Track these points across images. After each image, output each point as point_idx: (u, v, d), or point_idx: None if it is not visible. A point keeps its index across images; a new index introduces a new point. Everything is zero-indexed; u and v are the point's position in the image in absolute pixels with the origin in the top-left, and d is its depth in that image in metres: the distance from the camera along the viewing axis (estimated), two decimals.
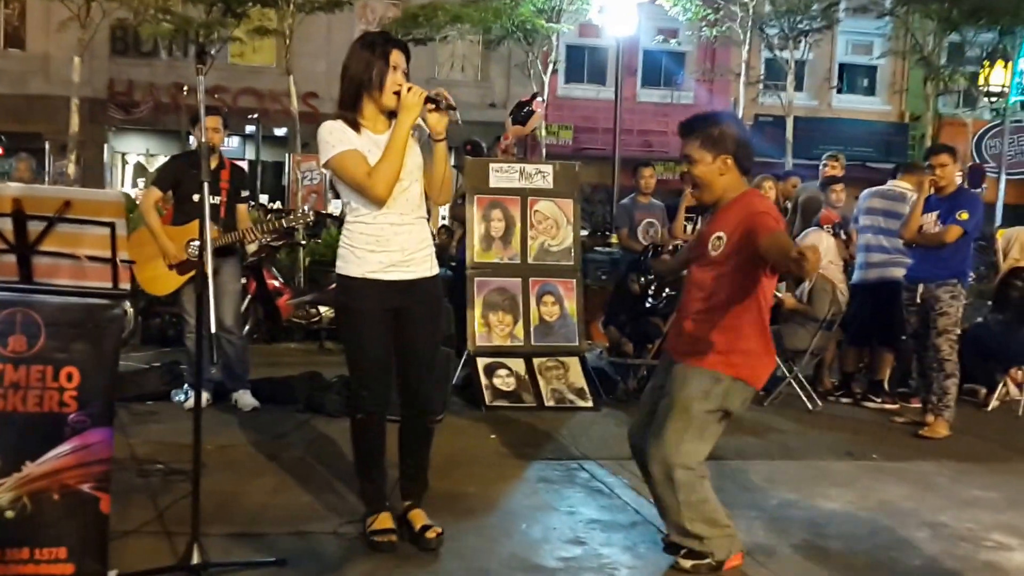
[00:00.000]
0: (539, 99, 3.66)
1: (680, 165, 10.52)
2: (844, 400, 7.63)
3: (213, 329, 3.31)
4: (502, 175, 7.34)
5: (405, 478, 4.04)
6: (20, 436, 3.05)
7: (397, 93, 3.72)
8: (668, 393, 3.82)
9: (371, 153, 3.74)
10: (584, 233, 11.11)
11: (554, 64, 16.91)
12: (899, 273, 6.98)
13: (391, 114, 3.80)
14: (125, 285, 3.15)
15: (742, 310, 3.73)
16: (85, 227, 3.04)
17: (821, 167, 8.99)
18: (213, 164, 6.15)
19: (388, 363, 3.88)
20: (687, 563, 3.81)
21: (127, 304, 8.50)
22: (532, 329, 7.20)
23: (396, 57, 3.75)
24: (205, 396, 6.22)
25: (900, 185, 7.52)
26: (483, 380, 6.82)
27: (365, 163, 3.72)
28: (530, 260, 7.33)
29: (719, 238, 3.76)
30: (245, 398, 6.32)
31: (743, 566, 3.88)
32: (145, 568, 3.40)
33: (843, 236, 7.80)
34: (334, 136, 3.76)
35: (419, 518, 3.95)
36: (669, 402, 3.79)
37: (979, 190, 11.98)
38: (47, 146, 20.77)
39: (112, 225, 3.04)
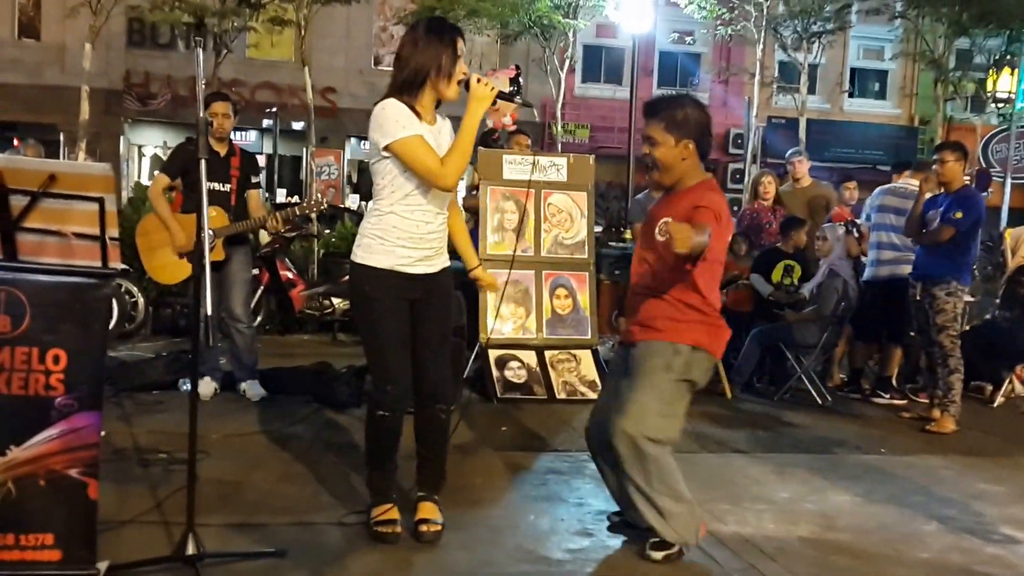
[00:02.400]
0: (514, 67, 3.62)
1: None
2: (853, 395, 7.65)
3: (209, 311, 3.21)
4: (516, 167, 7.25)
5: (420, 469, 3.97)
6: (4, 420, 2.98)
7: (460, 82, 3.66)
8: (629, 373, 3.80)
9: (436, 142, 3.70)
10: (598, 228, 11.02)
11: (571, 60, 16.78)
12: (909, 270, 6.97)
13: (435, 103, 3.75)
14: (115, 264, 3.06)
15: (689, 286, 3.71)
16: (72, 202, 2.94)
17: (787, 166, 8.82)
18: (223, 151, 6.09)
19: (408, 357, 3.79)
20: (658, 555, 3.75)
21: (137, 293, 8.50)
22: (544, 322, 7.13)
23: (461, 45, 3.69)
24: (213, 386, 6.20)
25: (911, 183, 7.49)
26: (495, 372, 6.77)
27: (434, 151, 3.64)
28: (543, 253, 7.25)
29: (665, 223, 3.68)
30: (253, 388, 6.27)
31: (750, 559, 3.84)
32: (139, 558, 3.32)
33: (855, 233, 7.74)
34: (403, 118, 3.63)
35: (423, 511, 3.88)
36: (632, 379, 3.76)
37: (985, 194, 12.00)
38: (62, 137, 20.81)
39: (100, 200, 2.94)
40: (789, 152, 8.93)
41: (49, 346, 2.97)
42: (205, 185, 3.28)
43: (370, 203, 3.84)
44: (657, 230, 3.40)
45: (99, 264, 3.03)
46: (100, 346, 3.10)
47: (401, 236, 3.70)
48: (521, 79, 3.78)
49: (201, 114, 3.35)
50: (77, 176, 2.96)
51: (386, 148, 3.63)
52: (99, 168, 3.02)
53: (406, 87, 3.68)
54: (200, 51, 3.37)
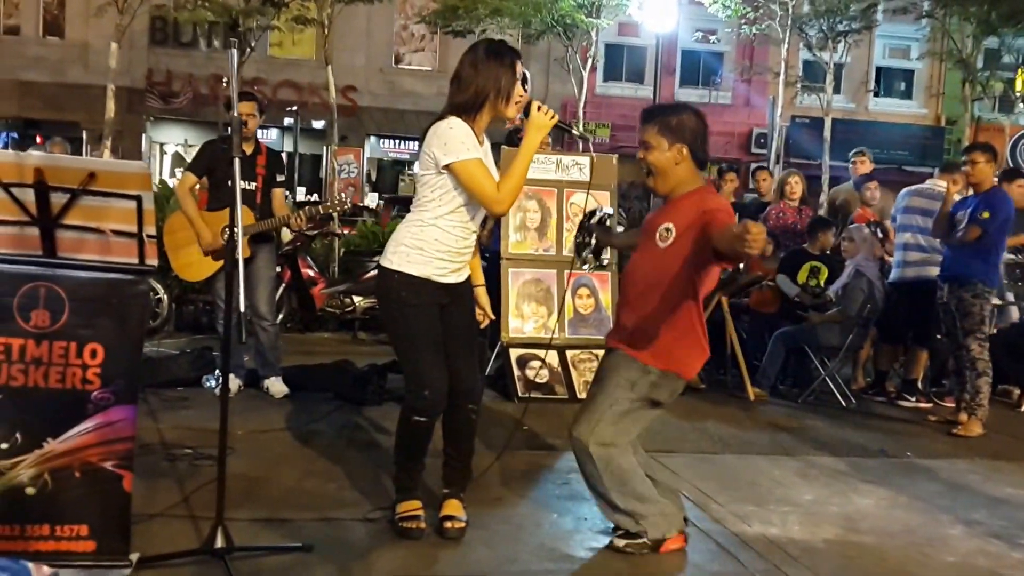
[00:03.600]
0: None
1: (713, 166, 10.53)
2: (878, 398, 7.61)
3: (242, 308, 3.24)
4: (539, 166, 7.26)
5: (447, 468, 4.00)
6: (42, 413, 3.02)
7: (518, 103, 3.72)
8: (599, 377, 3.88)
9: (490, 162, 3.78)
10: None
11: (593, 60, 16.78)
12: (936, 272, 6.94)
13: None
14: (152, 261, 3.09)
15: (680, 301, 3.72)
16: (110, 200, 2.98)
17: (850, 165, 8.88)
18: (248, 150, 6.13)
19: (443, 361, 3.80)
20: (621, 542, 3.82)
21: (161, 290, 8.57)
22: (566, 321, 7.14)
23: (519, 67, 3.74)
24: (237, 383, 6.24)
25: (938, 184, 7.44)
26: (516, 371, 6.77)
27: (491, 176, 3.69)
28: (565, 252, 7.25)
29: (668, 229, 3.74)
30: (276, 385, 6.30)
31: (774, 560, 3.83)
32: (169, 551, 3.36)
33: (879, 234, 7.71)
34: (469, 140, 3.66)
35: (448, 508, 3.90)
36: (596, 386, 3.84)
37: None
38: (84, 135, 20.97)
39: (138, 198, 2.98)
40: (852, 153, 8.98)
41: (86, 341, 3.01)
42: (239, 184, 3.30)
43: (410, 213, 3.86)
44: (738, 232, 3.22)
45: (136, 261, 3.07)
46: (136, 341, 3.13)
47: (440, 249, 3.73)
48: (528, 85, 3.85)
49: (235, 113, 3.37)
50: (116, 174, 2.99)
51: (447, 166, 3.65)
52: (137, 166, 3.06)
53: (466, 108, 3.71)
54: (234, 52, 3.40)
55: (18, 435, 3.00)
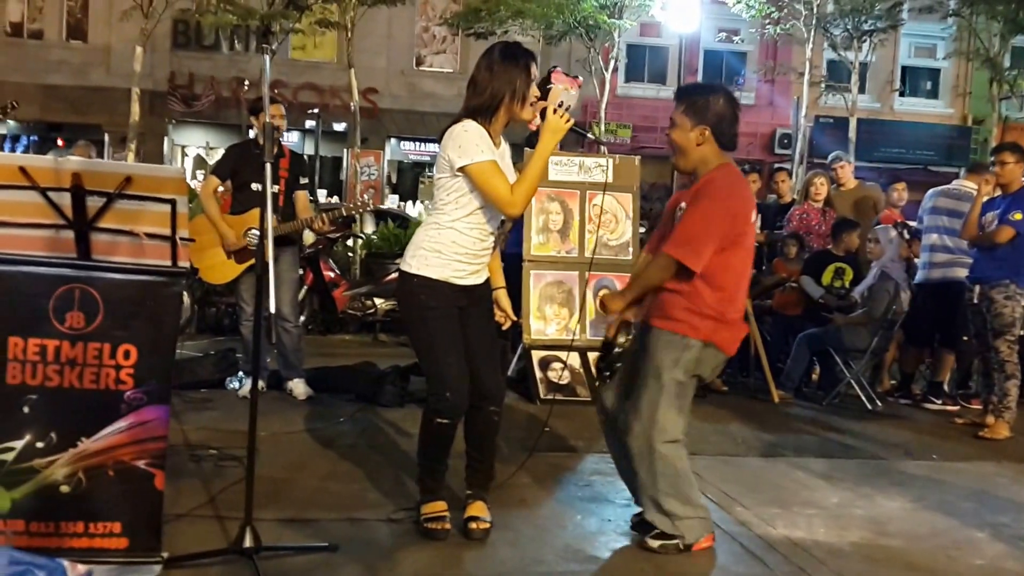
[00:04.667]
0: (557, 68, 3.60)
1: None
2: (903, 401, 7.57)
3: (272, 310, 3.26)
4: (561, 168, 7.28)
5: (470, 469, 4.02)
6: (76, 412, 3.06)
7: (533, 105, 3.75)
8: (639, 362, 3.85)
9: (506, 166, 3.80)
10: (643, 230, 11.02)
11: (615, 61, 16.76)
12: (962, 273, 6.90)
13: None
14: (184, 263, 3.14)
15: (706, 275, 3.73)
16: (145, 204, 3.02)
17: (830, 172, 8.73)
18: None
19: (465, 363, 3.81)
20: (655, 543, 3.83)
21: (184, 292, 8.63)
22: (588, 323, 7.14)
23: (534, 69, 3.77)
24: (260, 384, 6.26)
25: (965, 184, 7.41)
26: (537, 373, 6.78)
27: (506, 178, 3.71)
28: (588, 254, 7.27)
29: (682, 208, 3.79)
30: (300, 387, 6.34)
31: (800, 563, 3.83)
32: (197, 550, 3.40)
33: (906, 235, 7.67)
34: (483, 142, 3.69)
35: (473, 509, 3.92)
36: (641, 373, 3.81)
37: None
38: (107, 138, 21.12)
39: (173, 202, 3.02)
40: (830, 157, 8.88)
41: (120, 342, 3.06)
42: (270, 188, 3.32)
43: (428, 216, 3.91)
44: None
45: (169, 263, 3.11)
46: (169, 342, 3.18)
47: (458, 251, 3.75)
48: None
49: (267, 119, 3.40)
50: (151, 178, 3.03)
51: (462, 169, 3.67)
52: (172, 171, 3.12)
53: (481, 111, 3.74)
54: (267, 58, 3.43)
55: (53, 434, 3.05)
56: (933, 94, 27.35)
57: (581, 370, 6.89)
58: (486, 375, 3.88)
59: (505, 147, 3.89)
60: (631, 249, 7.36)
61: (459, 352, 3.79)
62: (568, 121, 3.69)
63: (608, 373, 4.00)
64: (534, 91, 3.75)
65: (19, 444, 3.03)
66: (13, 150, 20.66)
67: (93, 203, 3.04)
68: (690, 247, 3.70)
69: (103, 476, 3.07)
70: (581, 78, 3.97)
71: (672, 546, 3.81)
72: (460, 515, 3.91)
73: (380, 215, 15.08)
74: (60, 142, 21.01)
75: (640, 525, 3.97)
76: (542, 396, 6.63)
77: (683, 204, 3.81)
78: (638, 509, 4.27)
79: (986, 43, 16.52)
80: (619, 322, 3.94)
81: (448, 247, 3.75)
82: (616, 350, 3.93)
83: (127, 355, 3.06)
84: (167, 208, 3.02)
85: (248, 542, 3.36)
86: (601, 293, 3.78)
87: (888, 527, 4.38)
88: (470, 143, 3.66)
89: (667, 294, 3.79)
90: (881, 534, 4.28)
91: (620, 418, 3.92)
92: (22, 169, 3.01)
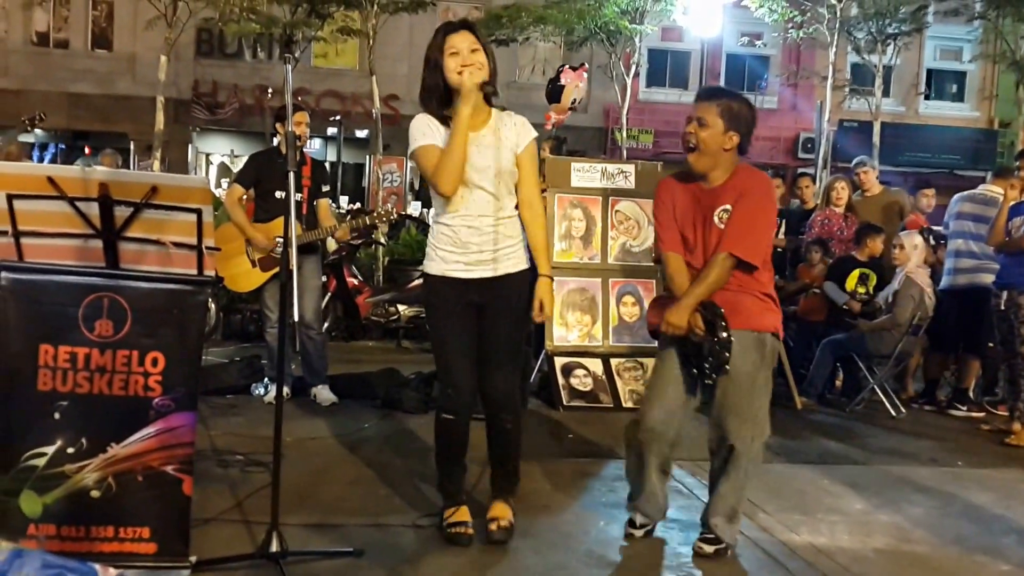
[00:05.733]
0: (566, 67, 3.58)
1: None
2: (928, 407, 7.52)
3: (296, 318, 3.31)
4: (583, 175, 7.29)
5: (492, 474, 4.04)
6: (106, 419, 3.11)
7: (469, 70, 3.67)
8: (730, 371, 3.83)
9: (471, 146, 3.74)
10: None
11: (636, 66, 16.74)
12: (988, 279, 6.84)
13: (489, 101, 3.79)
14: (210, 272, 3.18)
15: (762, 268, 3.80)
16: (172, 213, 3.07)
17: (854, 177, 8.68)
18: None
19: (471, 362, 3.81)
20: (709, 548, 3.89)
21: (209, 299, 8.70)
22: (611, 329, 7.15)
23: (454, 41, 3.68)
24: (285, 390, 6.30)
25: (991, 189, 7.36)
26: (560, 380, 6.79)
27: (436, 157, 3.72)
28: (610, 260, 7.28)
29: (725, 210, 3.79)
30: (324, 393, 6.38)
31: (823, 569, 3.84)
32: (224, 555, 3.44)
33: (931, 241, 7.62)
34: (417, 130, 3.78)
35: (494, 510, 3.93)
36: (736, 379, 3.76)
37: None
38: (132, 146, 21.31)
39: (199, 212, 3.07)
40: (854, 163, 8.83)
41: (148, 349, 3.11)
42: (293, 196, 3.37)
43: None
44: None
45: (195, 272, 3.16)
46: (196, 350, 3.22)
47: (447, 243, 3.78)
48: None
49: (289, 128, 3.44)
50: (177, 188, 3.08)
51: (411, 158, 3.80)
52: (198, 181, 3.16)
53: (425, 100, 3.80)
54: (289, 68, 3.47)
55: (84, 440, 3.10)
56: (959, 97, 27.08)
57: (603, 377, 6.89)
58: (496, 381, 3.84)
59: (490, 128, 3.78)
60: (654, 255, 7.33)
61: (462, 349, 3.79)
62: (473, 82, 3.62)
63: (719, 368, 3.72)
64: (454, 60, 3.64)
65: (50, 450, 3.09)
66: (41, 158, 20.87)
67: (120, 213, 3.09)
68: (751, 244, 3.73)
69: (132, 481, 3.12)
70: (586, 64, 3.95)
71: (721, 550, 3.87)
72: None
73: (400, 221, 15.13)
74: (87, 150, 21.21)
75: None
76: (565, 403, 6.64)
77: (727, 207, 3.76)
78: None
79: (1012, 46, 16.38)
80: (696, 316, 3.74)
81: (440, 240, 3.79)
82: (724, 336, 3.65)
83: (155, 362, 3.11)
84: (193, 218, 3.06)
85: (275, 547, 3.40)
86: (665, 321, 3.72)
87: (912, 534, 4.36)
88: (413, 133, 3.78)
89: (733, 295, 3.79)
90: (905, 540, 4.26)
91: (720, 423, 3.86)
92: (50, 179, 3.07)
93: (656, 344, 4.04)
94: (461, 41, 3.68)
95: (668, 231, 3.91)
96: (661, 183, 4.02)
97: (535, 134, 3.86)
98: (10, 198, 3.05)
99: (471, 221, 3.74)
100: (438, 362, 3.87)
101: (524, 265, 3.87)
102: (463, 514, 3.90)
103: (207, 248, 3.12)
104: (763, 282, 3.84)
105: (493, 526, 3.87)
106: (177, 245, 3.12)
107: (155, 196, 3.06)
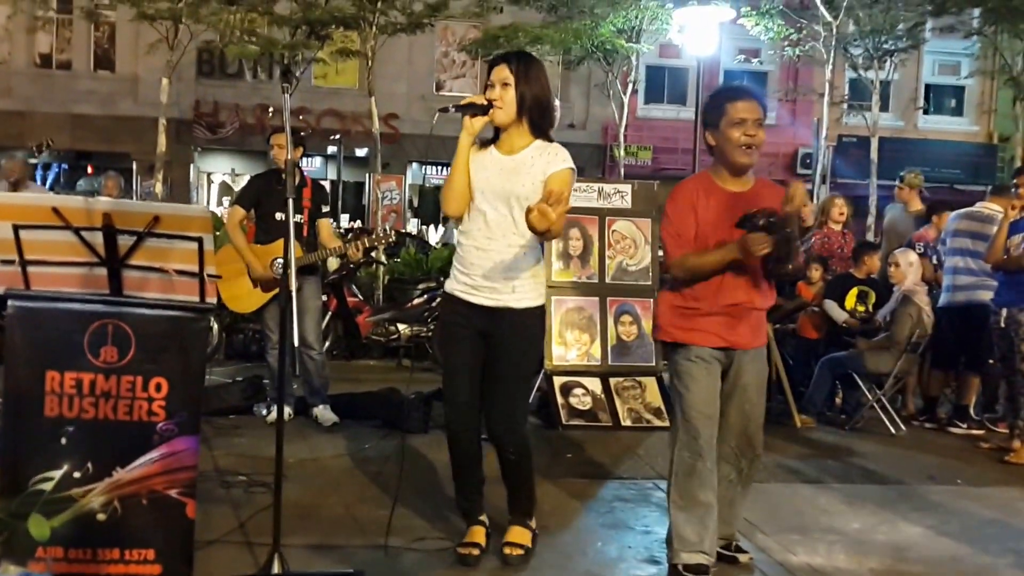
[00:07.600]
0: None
1: None
2: (928, 425, 7.49)
3: (296, 343, 3.36)
4: (580, 194, 7.34)
5: (508, 495, 4.06)
6: (111, 443, 3.16)
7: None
8: (746, 385, 3.87)
9: (481, 171, 3.81)
10: (662, 253, 11.03)
11: (634, 84, 16.81)
12: (987, 296, 6.84)
13: (539, 132, 3.82)
14: (212, 299, 3.24)
15: (773, 288, 3.91)
16: (174, 241, 3.14)
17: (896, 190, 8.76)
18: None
19: (471, 380, 3.84)
20: (745, 557, 4.01)
21: (212, 320, 8.74)
22: (609, 348, 7.18)
23: (498, 72, 3.80)
24: (287, 411, 6.34)
25: (989, 207, 7.35)
26: (559, 399, 6.82)
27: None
28: (608, 279, 7.32)
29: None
30: (325, 413, 6.41)
31: None
32: None
33: (932, 259, 7.64)
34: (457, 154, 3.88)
35: (510, 534, 3.97)
36: (758, 389, 3.89)
37: None
38: (134, 166, 21.42)
39: (200, 240, 3.13)
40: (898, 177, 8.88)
41: (152, 375, 3.15)
42: (292, 220, 3.44)
43: None
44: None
45: (197, 299, 3.22)
46: (198, 375, 3.27)
47: (458, 262, 3.88)
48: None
49: (288, 156, 3.50)
50: (179, 217, 3.15)
51: None
52: (199, 210, 3.22)
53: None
54: (287, 97, 3.54)
55: (90, 464, 3.14)
56: (958, 111, 27.06)
57: (602, 396, 6.92)
58: (496, 417, 3.85)
59: (524, 155, 3.79)
60: (651, 273, 7.40)
61: (460, 369, 3.85)
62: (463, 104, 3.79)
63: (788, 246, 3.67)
64: (491, 93, 3.79)
65: (57, 474, 3.13)
66: (44, 178, 20.94)
67: (124, 241, 3.16)
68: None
69: (137, 505, 3.16)
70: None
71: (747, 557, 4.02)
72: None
73: (399, 241, 15.18)
74: (90, 169, 21.31)
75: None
76: (564, 422, 6.67)
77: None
78: (658, 534, 4.31)
79: (1010, 60, 16.41)
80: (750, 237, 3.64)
81: (457, 259, 3.91)
82: (777, 219, 3.62)
83: (159, 388, 3.15)
84: (194, 246, 3.13)
85: (276, 568, 3.43)
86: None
87: (909, 553, 4.35)
88: None
89: (758, 315, 3.87)
90: (901, 560, 4.26)
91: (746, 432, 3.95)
92: (55, 210, 3.14)
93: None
94: (496, 74, 3.81)
95: (684, 235, 3.78)
96: (681, 187, 3.87)
97: (570, 165, 3.76)
98: (16, 228, 3.12)
99: (479, 243, 3.78)
100: (443, 377, 3.96)
101: (531, 303, 3.81)
102: (475, 535, 3.95)
103: (208, 276, 3.19)
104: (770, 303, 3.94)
105: (508, 550, 3.91)
106: (179, 272, 3.18)
107: (157, 225, 3.13)
